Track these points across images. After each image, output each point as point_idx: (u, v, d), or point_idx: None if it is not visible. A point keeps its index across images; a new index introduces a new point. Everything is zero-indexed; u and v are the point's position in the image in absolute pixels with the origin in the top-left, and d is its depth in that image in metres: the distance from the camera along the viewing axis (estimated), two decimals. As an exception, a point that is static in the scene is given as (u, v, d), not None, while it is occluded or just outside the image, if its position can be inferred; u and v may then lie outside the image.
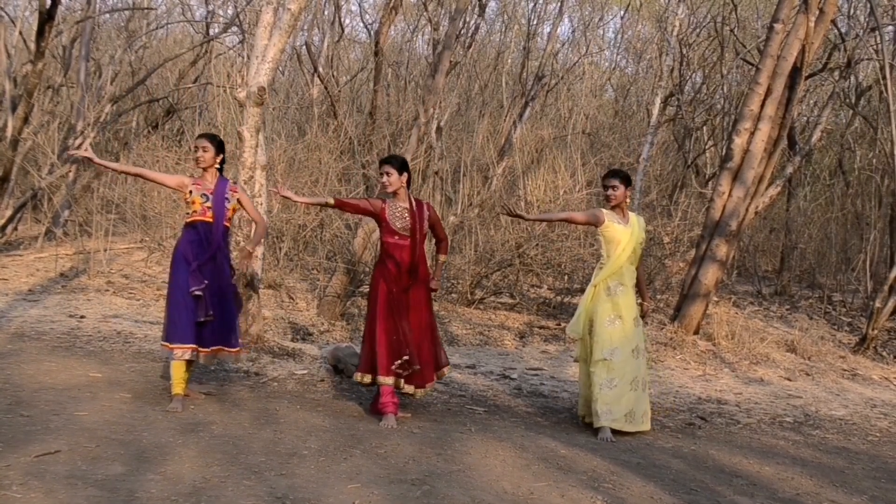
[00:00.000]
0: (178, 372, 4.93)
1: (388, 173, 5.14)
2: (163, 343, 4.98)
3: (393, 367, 5.00)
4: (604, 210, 5.36)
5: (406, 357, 5.01)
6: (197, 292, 4.89)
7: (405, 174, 5.17)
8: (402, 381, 5.03)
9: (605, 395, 5.14)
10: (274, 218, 9.49)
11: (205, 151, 5.04)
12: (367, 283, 8.34)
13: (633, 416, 5.22)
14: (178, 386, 4.93)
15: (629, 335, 5.23)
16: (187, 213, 5.05)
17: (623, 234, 5.29)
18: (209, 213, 5.00)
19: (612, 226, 5.28)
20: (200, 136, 5.17)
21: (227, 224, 5.15)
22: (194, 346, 4.92)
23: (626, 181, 5.35)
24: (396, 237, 5.12)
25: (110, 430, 4.22)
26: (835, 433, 5.90)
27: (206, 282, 4.95)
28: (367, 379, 5.07)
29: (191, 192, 5.02)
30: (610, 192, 5.30)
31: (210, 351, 5.03)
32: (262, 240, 6.32)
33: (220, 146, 5.12)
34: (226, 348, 5.11)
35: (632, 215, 5.39)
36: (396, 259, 5.10)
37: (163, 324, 5.07)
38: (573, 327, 5.38)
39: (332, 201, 5.18)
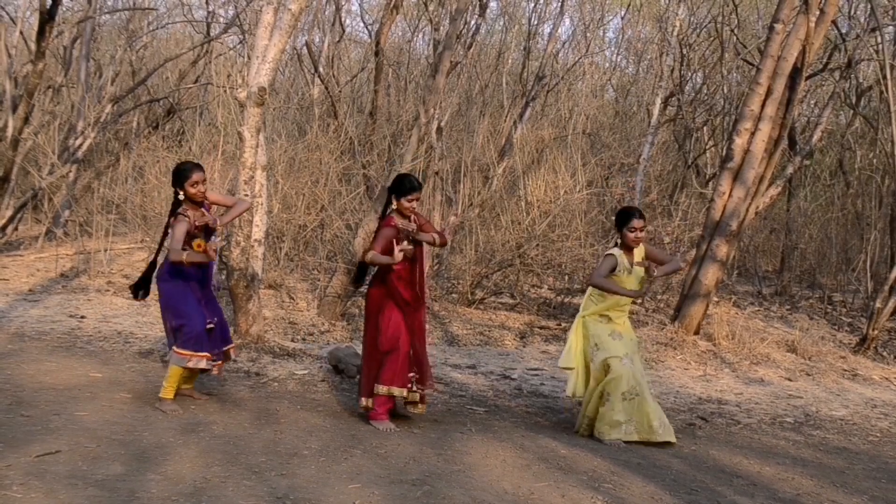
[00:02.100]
0: (176, 378, 4.79)
1: (418, 200, 5.00)
2: (176, 350, 4.78)
3: (410, 375, 4.97)
4: (615, 253, 5.12)
5: (415, 375, 5.02)
6: (210, 325, 4.86)
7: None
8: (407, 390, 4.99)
9: (628, 407, 4.97)
10: (274, 218, 9.49)
11: (203, 183, 4.81)
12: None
13: (663, 424, 5.05)
14: (171, 391, 4.80)
15: (631, 348, 5.15)
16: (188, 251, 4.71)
17: (627, 282, 5.12)
18: (213, 254, 4.85)
19: (619, 276, 5.09)
20: (194, 166, 4.84)
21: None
22: (208, 353, 4.82)
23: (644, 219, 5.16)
24: (405, 260, 4.97)
25: (111, 430, 4.22)
26: (835, 433, 5.90)
27: (216, 318, 4.94)
28: (405, 393, 4.93)
29: (194, 237, 4.75)
30: (636, 234, 5.07)
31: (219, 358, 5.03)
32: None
33: None
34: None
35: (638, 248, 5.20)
36: (404, 281, 4.99)
37: (171, 331, 4.90)
38: (564, 360, 5.19)
39: (368, 259, 4.97)
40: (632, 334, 5.28)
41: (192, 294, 4.86)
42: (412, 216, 5.04)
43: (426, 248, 5.32)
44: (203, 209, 4.89)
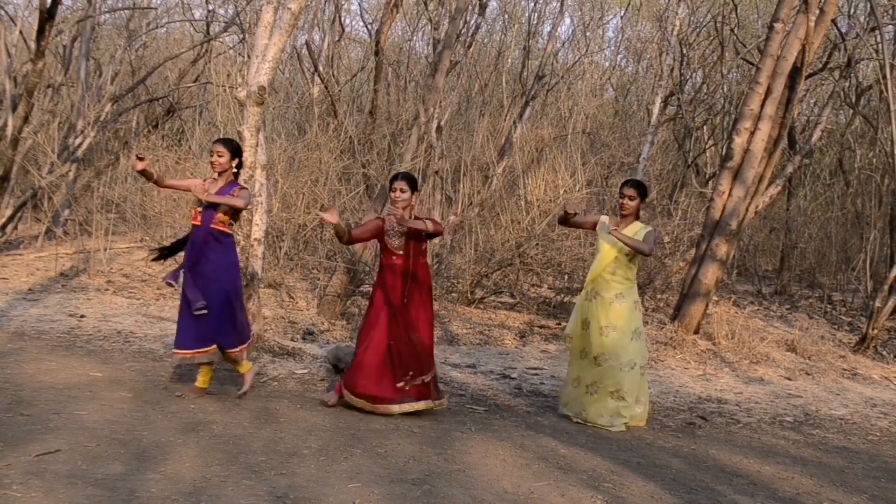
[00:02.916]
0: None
1: (401, 190, 5.08)
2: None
3: (399, 384, 5.02)
4: (605, 218, 5.47)
5: (411, 373, 5.05)
6: (201, 310, 5.01)
7: (416, 193, 5.16)
8: (410, 401, 5.06)
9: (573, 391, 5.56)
10: (274, 217, 9.49)
11: (219, 156, 5.12)
12: (367, 282, 8.36)
13: (578, 411, 5.44)
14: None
15: (589, 341, 5.36)
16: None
17: (604, 246, 5.38)
18: (199, 218, 5.11)
19: (600, 234, 5.43)
20: (217, 140, 5.27)
21: (220, 227, 5.11)
22: (186, 351, 5.05)
23: (642, 193, 5.40)
24: (393, 257, 5.12)
25: (110, 430, 4.22)
26: (835, 432, 5.91)
27: (204, 302, 5.02)
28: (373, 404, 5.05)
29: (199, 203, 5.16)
30: (624, 200, 5.39)
31: (204, 352, 5.07)
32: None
33: (235, 151, 5.19)
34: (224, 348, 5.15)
35: (636, 226, 5.37)
36: (399, 276, 5.10)
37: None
38: (570, 328, 5.56)
39: (347, 235, 5.07)
40: (609, 318, 5.30)
41: (184, 299, 5.07)
42: (403, 209, 5.10)
43: (426, 246, 5.33)
44: (218, 181, 5.13)
